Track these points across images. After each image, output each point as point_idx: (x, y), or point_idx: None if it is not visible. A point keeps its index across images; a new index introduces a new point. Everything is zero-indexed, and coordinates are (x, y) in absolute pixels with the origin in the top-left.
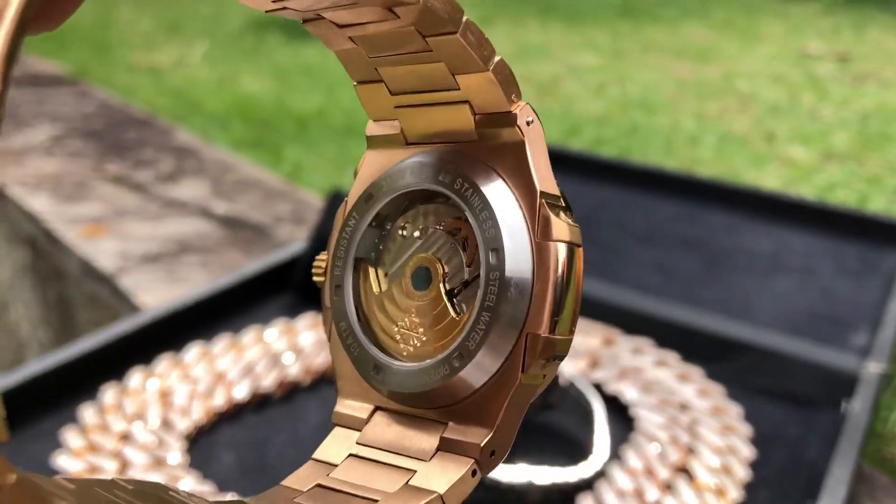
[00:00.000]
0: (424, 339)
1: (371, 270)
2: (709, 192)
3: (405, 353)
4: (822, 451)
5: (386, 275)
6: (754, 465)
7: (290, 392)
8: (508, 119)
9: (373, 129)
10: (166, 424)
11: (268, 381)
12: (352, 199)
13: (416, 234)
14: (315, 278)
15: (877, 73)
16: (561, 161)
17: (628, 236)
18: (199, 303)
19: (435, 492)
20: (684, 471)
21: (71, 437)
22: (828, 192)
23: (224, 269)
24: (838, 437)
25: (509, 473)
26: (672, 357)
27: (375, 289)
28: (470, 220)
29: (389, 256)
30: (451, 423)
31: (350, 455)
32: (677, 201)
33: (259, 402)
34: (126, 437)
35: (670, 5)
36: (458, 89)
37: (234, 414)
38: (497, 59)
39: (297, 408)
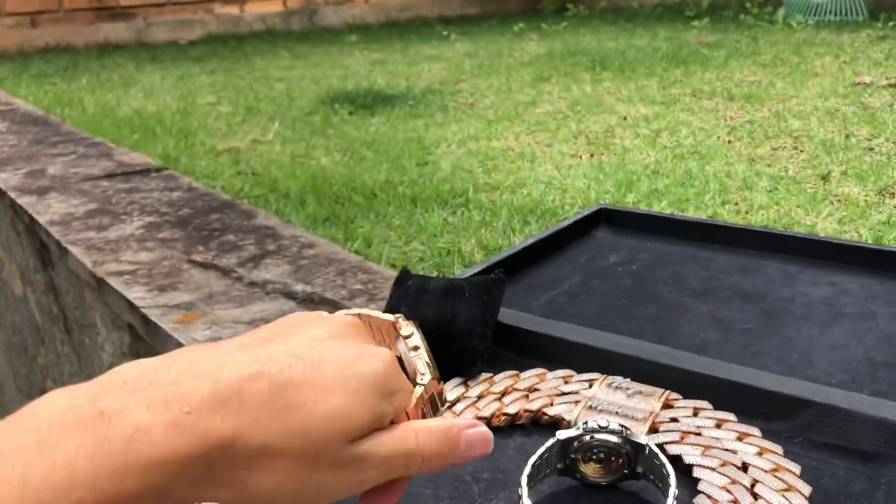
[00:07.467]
0: None
1: None
2: (764, 242)
3: None
4: None
5: None
6: None
7: None
8: None
9: None
10: None
11: None
12: None
13: None
14: None
15: None
16: (616, 218)
17: (685, 291)
18: None
19: None
20: None
21: None
22: (886, 229)
23: None
24: None
25: None
26: (730, 417)
27: None
28: None
29: None
30: None
31: None
32: (733, 252)
33: None
34: None
35: (718, 47)
36: None
37: None
38: None
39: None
